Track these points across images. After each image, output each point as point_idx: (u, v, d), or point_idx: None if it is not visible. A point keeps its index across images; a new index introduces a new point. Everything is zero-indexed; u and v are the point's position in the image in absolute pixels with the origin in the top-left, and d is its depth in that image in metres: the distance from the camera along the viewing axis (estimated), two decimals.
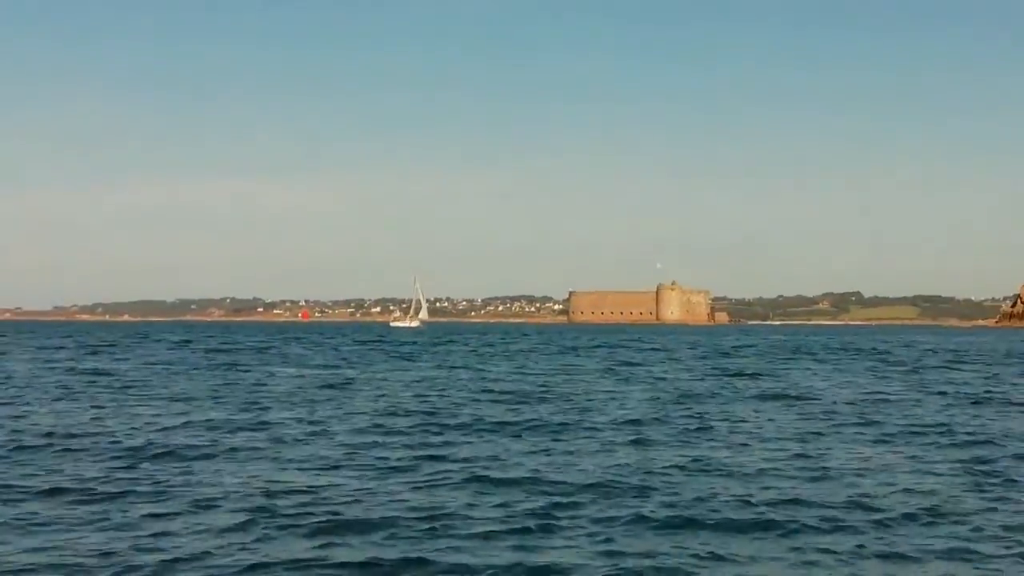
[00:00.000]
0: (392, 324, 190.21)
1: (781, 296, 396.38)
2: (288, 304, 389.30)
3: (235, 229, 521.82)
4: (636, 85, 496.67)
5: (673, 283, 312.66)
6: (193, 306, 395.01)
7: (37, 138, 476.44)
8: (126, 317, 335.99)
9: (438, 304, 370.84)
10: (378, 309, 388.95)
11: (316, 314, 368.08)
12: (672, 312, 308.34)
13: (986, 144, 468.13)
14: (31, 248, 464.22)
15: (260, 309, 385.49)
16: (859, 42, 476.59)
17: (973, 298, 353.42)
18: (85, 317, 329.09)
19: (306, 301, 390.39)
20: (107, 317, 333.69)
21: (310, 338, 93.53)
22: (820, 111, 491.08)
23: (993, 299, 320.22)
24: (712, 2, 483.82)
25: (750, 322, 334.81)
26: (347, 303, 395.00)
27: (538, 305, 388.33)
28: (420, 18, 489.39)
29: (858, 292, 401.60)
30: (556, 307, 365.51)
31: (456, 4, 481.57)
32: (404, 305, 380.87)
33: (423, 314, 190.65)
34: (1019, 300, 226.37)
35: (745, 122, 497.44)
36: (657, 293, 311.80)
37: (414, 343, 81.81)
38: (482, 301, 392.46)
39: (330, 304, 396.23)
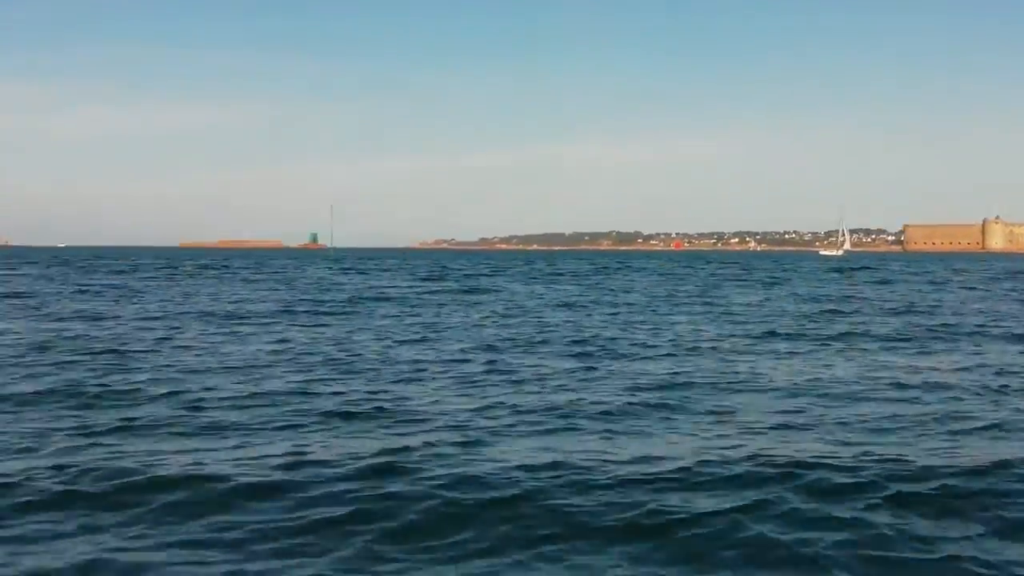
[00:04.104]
0: None
1: None
2: None
3: None
4: None
5: (996, 217, 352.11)
6: None
7: None
8: None
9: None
10: None
11: None
12: (996, 243, 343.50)
13: None
14: None
15: None
16: None
17: None
18: None
19: None
20: None
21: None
22: None
23: None
24: None
25: None
26: None
27: (873, 236, 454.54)
28: None
29: None
30: (889, 238, 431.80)
31: None
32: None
33: None
34: None
35: None
36: (983, 226, 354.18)
37: None
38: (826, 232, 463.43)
39: None
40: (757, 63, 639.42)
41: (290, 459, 10.05)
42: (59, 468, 9.59)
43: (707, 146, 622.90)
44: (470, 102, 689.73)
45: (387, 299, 39.43)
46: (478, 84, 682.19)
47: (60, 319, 27.69)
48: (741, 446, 11.11)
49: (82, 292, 42.41)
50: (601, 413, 13.03)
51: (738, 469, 9.90)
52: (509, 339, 22.97)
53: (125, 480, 9.20)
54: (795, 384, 16.04)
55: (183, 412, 12.79)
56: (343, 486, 9.09)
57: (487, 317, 30.19)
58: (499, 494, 8.84)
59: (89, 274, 65.61)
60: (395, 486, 9.09)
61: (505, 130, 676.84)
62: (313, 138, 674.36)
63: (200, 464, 9.90)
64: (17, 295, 39.72)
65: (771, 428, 12.27)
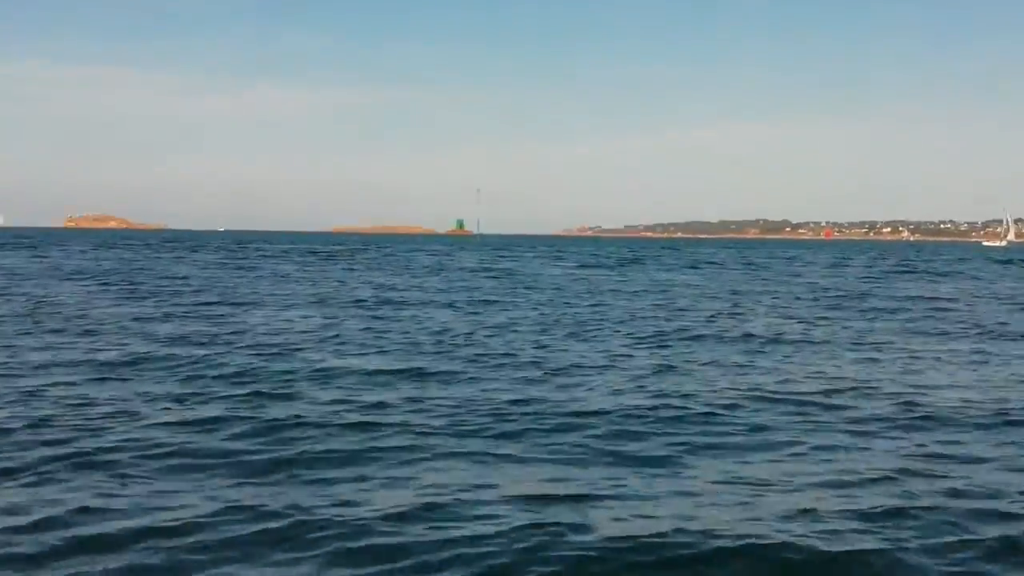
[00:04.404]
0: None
1: None
2: None
3: None
4: None
5: None
6: None
7: None
8: None
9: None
10: None
11: None
12: None
13: None
14: None
15: None
16: None
17: None
18: None
19: None
20: None
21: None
22: None
23: None
24: None
25: None
26: None
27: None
28: None
29: None
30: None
31: None
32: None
33: None
34: None
35: None
36: None
37: None
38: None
39: None
40: (917, 52, 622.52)
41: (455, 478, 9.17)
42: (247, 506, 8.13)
43: (860, 133, 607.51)
44: (618, 89, 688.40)
45: (541, 288, 38.68)
46: (621, 70, 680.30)
47: (232, 303, 27.82)
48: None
49: (242, 276, 43.01)
50: (805, 425, 11.73)
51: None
52: (675, 331, 21.94)
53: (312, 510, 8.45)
54: (999, 387, 14.63)
55: (353, 411, 12.04)
56: (505, 509, 8.12)
57: (646, 306, 29.26)
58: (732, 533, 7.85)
59: (245, 257, 66.86)
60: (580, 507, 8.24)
61: (652, 117, 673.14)
62: (461, 124, 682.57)
63: (388, 478, 9.23)
64: (179, 277, 40.49)
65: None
